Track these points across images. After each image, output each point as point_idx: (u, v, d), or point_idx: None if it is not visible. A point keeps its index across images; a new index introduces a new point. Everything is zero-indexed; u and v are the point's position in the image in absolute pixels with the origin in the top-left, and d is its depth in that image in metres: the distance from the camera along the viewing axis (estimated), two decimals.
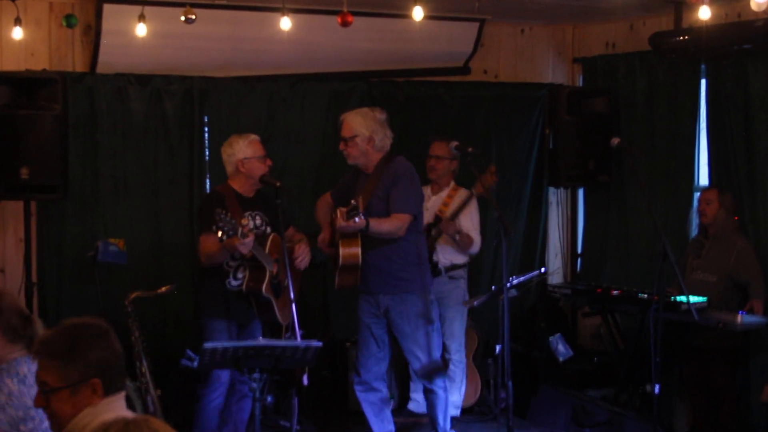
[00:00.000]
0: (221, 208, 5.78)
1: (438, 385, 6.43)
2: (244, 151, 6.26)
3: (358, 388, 6.51)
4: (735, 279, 6.91)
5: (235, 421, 6.42)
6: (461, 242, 7.11)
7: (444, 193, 7.31)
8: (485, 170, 7.10)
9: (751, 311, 6.66)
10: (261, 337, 6.16)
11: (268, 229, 6.25)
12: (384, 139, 6.31)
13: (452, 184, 7.35)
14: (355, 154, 6.29)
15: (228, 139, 6.40)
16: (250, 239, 5.79)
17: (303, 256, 6.32)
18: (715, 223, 7.02)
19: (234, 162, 6.27)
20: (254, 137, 6.37)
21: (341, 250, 6.18)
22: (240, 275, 6.17)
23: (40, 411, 3.56)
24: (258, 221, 6.24)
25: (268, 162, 6.34)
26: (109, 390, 3.19)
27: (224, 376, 6.23)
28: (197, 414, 6.25)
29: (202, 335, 6.23)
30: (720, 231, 7.01)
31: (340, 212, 6.04)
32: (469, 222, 7.14)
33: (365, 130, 6.25)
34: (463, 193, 7.25)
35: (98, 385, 3.16)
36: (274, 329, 6.95)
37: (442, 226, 7.05)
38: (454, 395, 7.15)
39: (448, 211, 7.18)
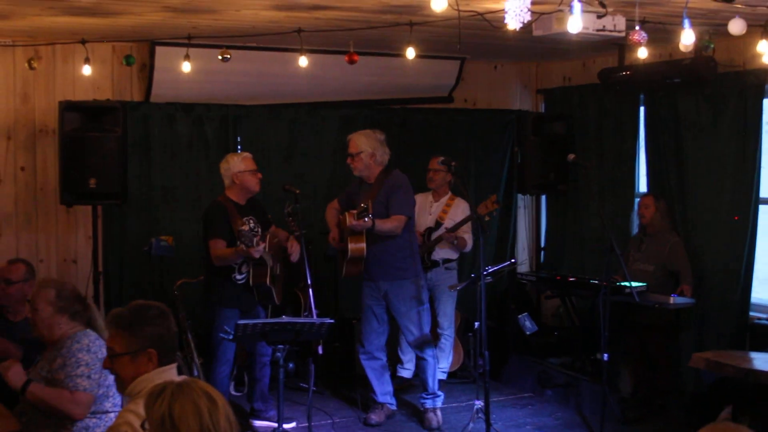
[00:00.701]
0: (225, 216, 5.81)
1: (428, 354, 6.45)
2: (238, 166, 6.18)
3: (362, 357, 6.52)
4: (668, 268, 6.91)
5: (261, 386, 6.42)
6: (458, 245, 7.14)
7: (443, 201, 7.29)
8: (488, 197, 7.07)
9: (681, 294, 6.65)
10: (284, 316, 6.18)
11: (259, 230, 6.13)
12: (383, 155, 6.35)
13: (449, 193, 7.33)
14: (359, 167, 6.32)
15: (225, 156, 6.33)
16: (262, 246, 5.75)
17: (296, 252, 6.24)
18: (652, 224, 7.03)
19: (230, 175, 6.18)
20: (247, 154, 6.29)
21: (350, 245, 6.19)
22: (244, 270, 6.12)
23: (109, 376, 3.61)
24: (252, 224, 6.13)
25: (258, 175, 6.26)
26: (163, 361, 3.21)
27: (229, 354, 6.18)
28: (210, 383, 6.19)
29: (213, 322, 6.18)
30: (656, 230, 7.02)
31: (349, 214, 6.09)
32: (464, 228, 7.19)
33: (368, 148, 6.28)
34: (461, 204, 7.21)
35: (154, 355, 3.18)
36: (296, 309, 7.00)
37: (444, 235, 7.06)
38: (443, 363, 7.15)
39: (447, 219, 7.15)
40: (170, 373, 3.22)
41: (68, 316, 4.16)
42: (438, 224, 7.19)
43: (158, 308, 3.29)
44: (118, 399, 4.02)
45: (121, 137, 6.77)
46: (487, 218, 6.99)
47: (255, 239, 5.66)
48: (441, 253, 7.20)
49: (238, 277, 6.15)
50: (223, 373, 6.23)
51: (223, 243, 5.97)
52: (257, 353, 6.34)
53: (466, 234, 7.14)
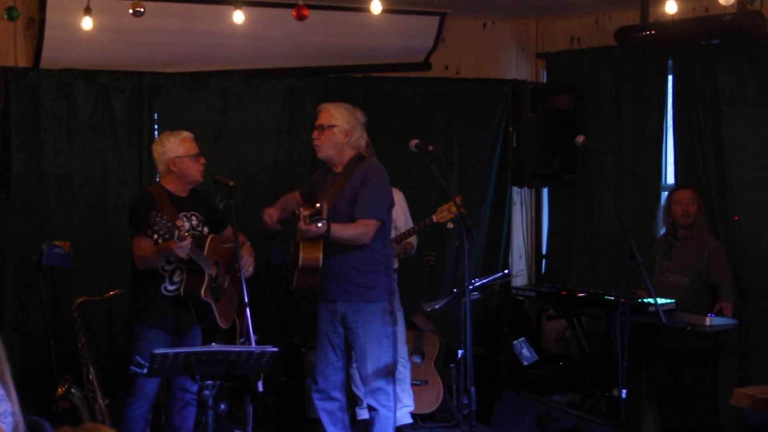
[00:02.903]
0: (152, 209, 5.71)
1: (380, 402, 6.25)
2: (175, 150, 6.14)
3: (316, 397, 6.40)
4: (706, 280, 6.95)
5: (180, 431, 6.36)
6: (405, 252, 7.18)
7: None
8: (452, 200, 6.98)
9: (720, 313, 6.68)
10: (214, 344, 6.10)
11: (205, 230, 6.15)
12: (360, 138, 6.19)
13: None
14: (327, 145, 6.14)
15: (159, 137, 6.32)
16: (187, 242, 5.69)
17: (246, 266, 6.20)
18: (695, 224, 7.05)
19: (165, 161, 6.15)
20: (187, 134, 6.25)
21: (302, 254, 6.05)
22: (176, 279, 6.07)
23: None
24: (194, 222, 6.13)
25: (202, 160, 6.22)
26: None
27: (150, 387, 6.12)
28: (122, 422, 6.14)
29: (133, 343, 6.12)
30: (694, 231, 7.05)
31: (302, 215, 5.93)
32: (405, 226, 7.19)
33: (345, 123, 6.13)
34: (395, 194, 7.24)
35: None
36: (228, 334, 6.92)
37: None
38: (406, 399, 7.07)
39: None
40: None
41: None
42: None
43: None
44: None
45: (2, 113, 6.81)
46: (449, 225, 6.92)
47: (177, 232, 5.60)
48: None
49: (170, 287, 6.09)
50: (139, 411, 6.16)
51: (148, 241, 5.88)
52: (177, 388, 6.26)
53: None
